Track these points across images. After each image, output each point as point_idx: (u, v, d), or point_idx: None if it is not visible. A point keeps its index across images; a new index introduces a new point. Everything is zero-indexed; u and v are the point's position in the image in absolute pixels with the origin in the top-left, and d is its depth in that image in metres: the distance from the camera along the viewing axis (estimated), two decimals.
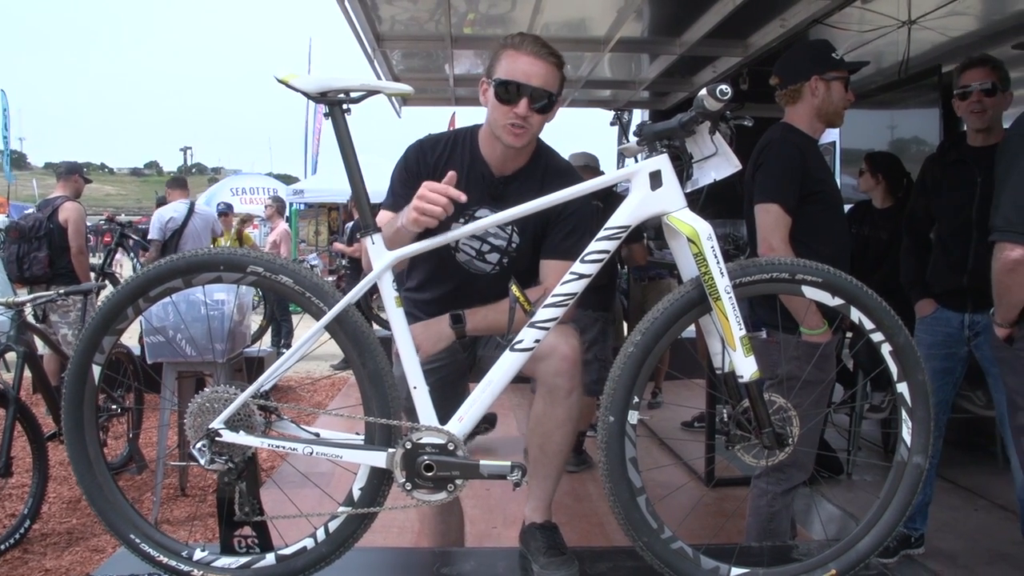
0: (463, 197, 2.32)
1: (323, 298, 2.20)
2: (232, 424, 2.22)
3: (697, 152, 2.27)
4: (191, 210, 8.91)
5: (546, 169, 2.78)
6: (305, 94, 2.20)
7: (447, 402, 2.38)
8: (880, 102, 6.77)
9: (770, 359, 3.09)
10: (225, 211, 12.16)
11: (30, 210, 7.60)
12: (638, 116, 9.83)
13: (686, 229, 2.17)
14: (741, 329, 2.15)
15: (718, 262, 2.14)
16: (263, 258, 2.22)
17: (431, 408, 2.26)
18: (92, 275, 8.76)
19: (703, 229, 2.16)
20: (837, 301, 2.28)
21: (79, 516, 5.01)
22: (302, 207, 18.84)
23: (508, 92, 2.56)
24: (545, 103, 2.59)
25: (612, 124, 9.04)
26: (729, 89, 2.05)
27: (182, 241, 8.60)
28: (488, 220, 2.36)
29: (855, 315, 2.30)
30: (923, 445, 2.33)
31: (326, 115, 2.24)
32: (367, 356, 2.21)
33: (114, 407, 5.57)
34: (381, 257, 2.23)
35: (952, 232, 3.77)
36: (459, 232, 2.39)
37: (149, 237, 9.09)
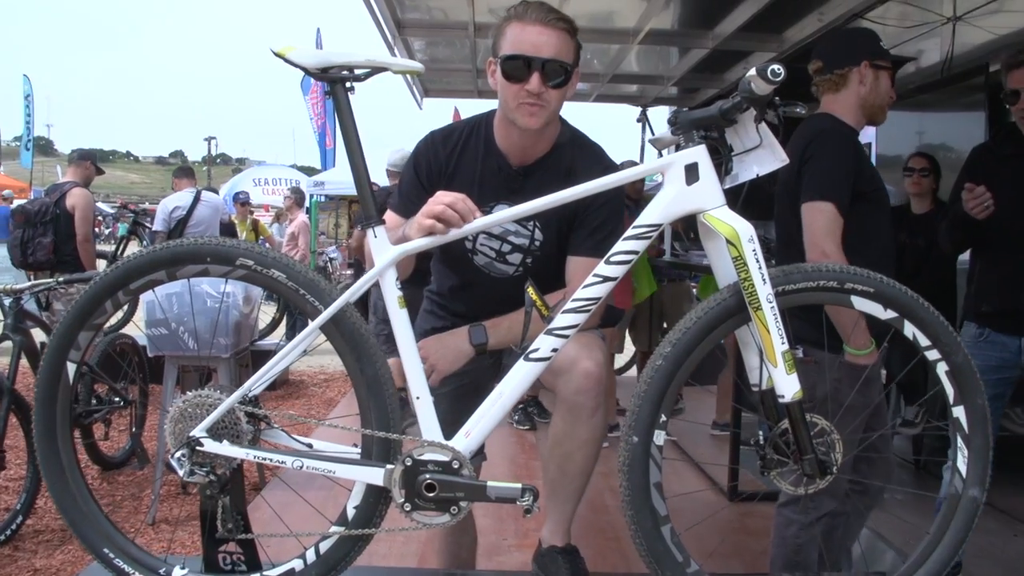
0: (477, 214, 2.09)
1: (319, 296, 1.99)
2: (216, 432, 2.02)
3: (738, 144, 2.03)
4: (196, 198, 8.59)
5: (573, 156, 2.50)
6: (304, 69, 1.98)
7: (466, 415, 2.15)
8: (918, 103, 6.49)
9: (807, 380, 2.79)
10: (244, 200, 12.01)
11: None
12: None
13: (725, 229, 1.93)
14: (784, 343, 1.92)
15: (760, 267, 1.91)
16: (254, 250, 2.01)
17: (435, 421, 2.03)
18: (103, 263, 8.59)
19: (744, 230, 1.92)
20: (890, 314, 2.05)
21: None
22: (323, 199, 18.66)
23: (517, 68, 2.29)
24: (561, 77, 2.32)
25: (639, 120, 8.83)
26: (782, 70, 1.79)
27: (187, 231, 8.30)
28: (503, 214, 2.13)
29: (909, 330, 2.06)
30: (980, 476, 2.11)
31: (327, 93, 2.02)
32: (365, 361, 2.00)
33: (117, 400, 5.40)
34: (384, 252, 2.02)
35: (1005, 240, 3.37)
36: (472, 226, 2.11)
37: (153, 228, 8.85)
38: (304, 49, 1.97)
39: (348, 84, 2.00)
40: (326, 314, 1.96)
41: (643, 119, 8.81)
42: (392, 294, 2.01)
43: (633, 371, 8.23)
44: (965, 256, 5.02)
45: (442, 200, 2.08)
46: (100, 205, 27.44)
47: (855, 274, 2.03)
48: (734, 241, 1.92)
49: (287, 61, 1.96)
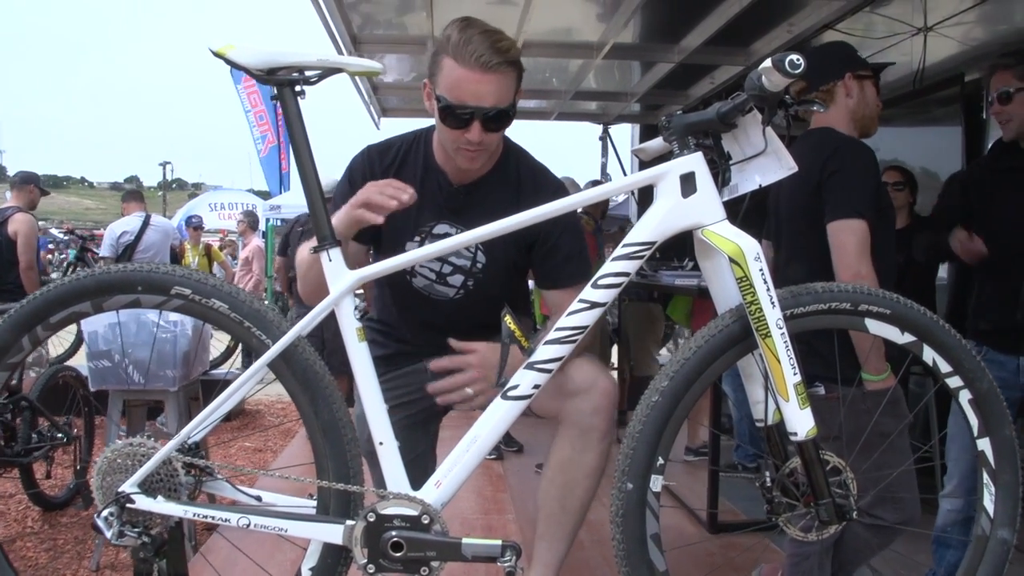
0: (407, 196, 1.96)
1: (266, 328, 1.75)
2: (149, 487, 1.76)
3: (737, 151, 1.81)
4: (145, 223, 8.24)
5: (519, 174, 2.33)
6: (247, 71, 1.74)
7: (416, 445, 1.91)
8: (888, 117, 6.38)
9: (832, 419, 2.56)
10: (197, 225, 11.68)
11: None
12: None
13: (728, 247, 1.72)
14: (796, 375, 1.71)
15: (768, 289, 1.70)
16: (191, 278, 1.76)
17: (401, 470, 1.79)
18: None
19: (749, 247, 1.71)
20: (907, 338, 1.85)
21: None
22: (279, 223, 18.32)
23: (457, 117, 2.08)
24: (503, 120, 2.13)
25: (601, 138, 8.71)
26: (802, 60, 1.57)
27: (135, 257, 7.94)
28: (453, 240, 1.91)
29: (928, 355, 1.87)
30: (1010, 516, 1.90)
31: (274, 98, 1.78)
32: (321, 403, 1.75)
33: (59, 436, 5.07)
34: (340, 278, 1.78)
35: (1004, 256, 3.18)
36: (426, 251, 1.92)
37: (100, 254, 8.48)
38: (247, 48, 1.73)
39: (298, 88, 1.76)
40: (274, 349, 1.73)
41: (605, 136, 8.68)
42: (350, 325, 1.77)
43: None
44: (943, 273, 4.90)
45: (367, 187, 1.97)
46: (53, 231, 26.85)
47: (870, 295, 1.82)
48: (738, 260, 1.70)
49: (227, 62, 1.72)
